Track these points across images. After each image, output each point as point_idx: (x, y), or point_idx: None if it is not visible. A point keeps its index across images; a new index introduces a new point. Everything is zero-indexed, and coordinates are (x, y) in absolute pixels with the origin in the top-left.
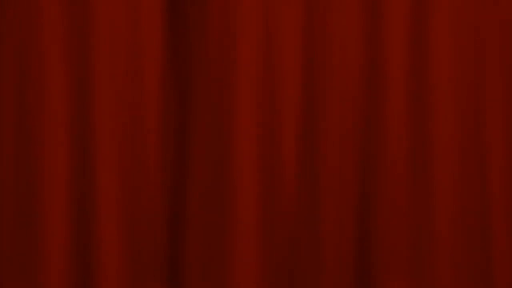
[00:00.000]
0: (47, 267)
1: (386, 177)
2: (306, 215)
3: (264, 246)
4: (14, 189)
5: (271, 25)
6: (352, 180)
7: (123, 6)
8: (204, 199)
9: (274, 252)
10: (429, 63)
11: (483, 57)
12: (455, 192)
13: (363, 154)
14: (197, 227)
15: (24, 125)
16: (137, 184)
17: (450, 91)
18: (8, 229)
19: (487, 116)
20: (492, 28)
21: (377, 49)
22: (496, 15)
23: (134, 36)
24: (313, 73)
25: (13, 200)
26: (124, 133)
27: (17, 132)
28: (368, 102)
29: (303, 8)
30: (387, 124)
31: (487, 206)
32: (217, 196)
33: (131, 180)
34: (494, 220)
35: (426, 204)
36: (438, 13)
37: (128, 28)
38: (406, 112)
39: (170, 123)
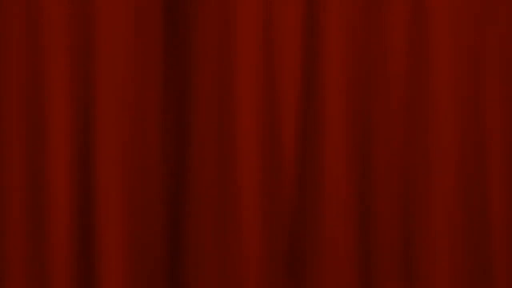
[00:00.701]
0: (49, 266)
1: (385, 176)
2: (305, 214)
3: (265, 245)
4: (17, 188)
5: (271, 22)
6: (352, 179)
7: (123, 5)
8: (205, 199)
9: (276, 251)
10: (429, 63)
11: (483, 57)
12: (454, 192)
13: (362, 152)
14: (198, 227)
15: (27, 124)
16: (138, 184)
17: (449, 90)
18: (10, 229)
19: (487, 116)
20: (492, 28)
21: (376, 46)
22: (496, 16)
23: (135, 35)
24: (313, 70)
25: (15, 200)
26: (125, 132)
27: (19, 132)
28: (367, 100)
29: (303, 6)
30: (387, 122)
31: (486, 206)
32: (218, 195)
33: (132, 179)
34: (494, 221)
35: (425, 204)
36: (438, 13)
37: (128, 27)
38: (406, 111)
39: (171, 122)
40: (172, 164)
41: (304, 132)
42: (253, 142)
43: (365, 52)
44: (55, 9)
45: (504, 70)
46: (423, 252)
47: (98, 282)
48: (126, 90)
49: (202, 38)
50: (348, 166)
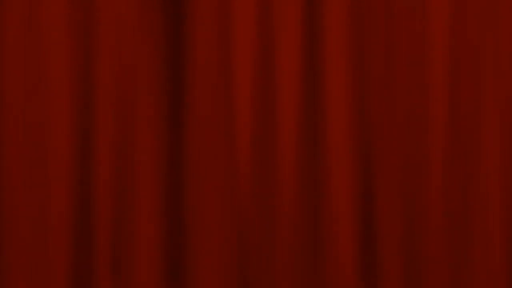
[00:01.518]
0: (49, 266)
1: (386, 176)
2: (307, 214)
3: (266, 244)
4: (16, 186)
5: (270, 21)
6: (353, 179)
7: (122, 3)
8: (204, 199)
9: (277, 251)
10: (430, 63)
11: (483, 56)
12: (453, 192)
13: (364, 152)
14: (197, 224)
15: (27, 124)
16: (136, 183)
17: (449, 90)
18: (11, 226)
19: (487, 114)
20: (492, 28)
21: (376, 46)
22: (496, 15)
23: (134, 34)
24: (313, 69)
25: (15, 199)
26: (123, 129)
27: (20, 131)
28: (368, 99)
29: (303, 5)
30: (388, 120)
31: (486, 206)
32: (217, 195)
33: (130, 178)
34: (493, 220)
35: (425, 204)
36: (438, 12)
37: (127, 26)
38: (406, 110)
39: (169, 121)
40: (171, 165)
41: (304, 132)
42: (253, 143)
43: (366, 51)
44: (55, 9)
45: (504, 69)
46: (423, 252)
47: (97, 281)
48: (125, 88)
49: (201, 38)
50: (349, 166)
